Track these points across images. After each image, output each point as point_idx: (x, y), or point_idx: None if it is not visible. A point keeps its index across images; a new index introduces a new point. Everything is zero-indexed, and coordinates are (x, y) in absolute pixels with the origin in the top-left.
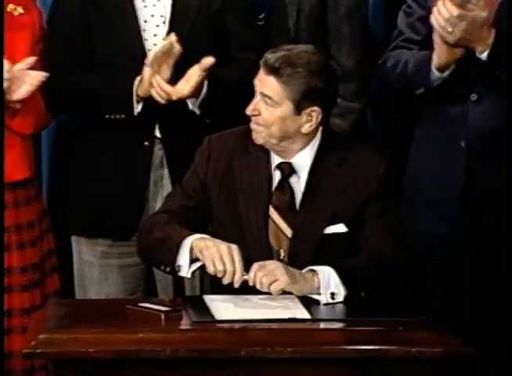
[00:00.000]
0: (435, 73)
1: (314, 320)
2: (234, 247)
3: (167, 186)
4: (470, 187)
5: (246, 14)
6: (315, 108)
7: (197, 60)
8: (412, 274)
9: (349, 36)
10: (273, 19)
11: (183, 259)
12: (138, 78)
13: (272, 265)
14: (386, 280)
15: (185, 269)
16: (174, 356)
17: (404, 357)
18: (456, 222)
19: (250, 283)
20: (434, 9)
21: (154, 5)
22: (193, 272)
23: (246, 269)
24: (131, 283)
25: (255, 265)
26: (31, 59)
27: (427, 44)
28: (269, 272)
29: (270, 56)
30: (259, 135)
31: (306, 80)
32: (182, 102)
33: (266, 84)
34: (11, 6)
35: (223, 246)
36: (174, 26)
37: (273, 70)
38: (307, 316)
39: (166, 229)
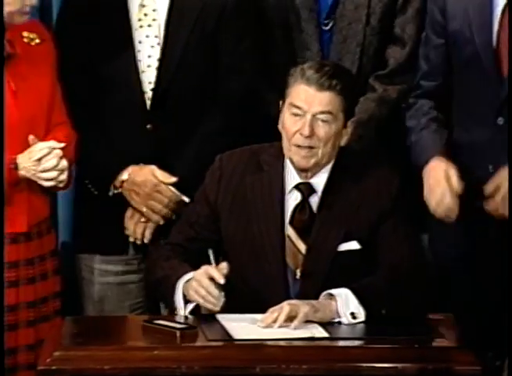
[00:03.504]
0: None
1: (331, 339)
2: (206, 272)
3: None
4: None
5: (240, 34)
6: (353, 119)
7: (192, 82)
8: (428, 290)
9: (414, 37)
10: (341, 24)
11: (179, 302)
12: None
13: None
14: (403, 296)
15: (182, 311)
16: (189, 373)
17: (420, 375)
18: (475, 245)
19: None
20: None
21: (149, 26)
22: None
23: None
24: (131, 300)
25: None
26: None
27: (437, 73)
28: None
29: (316, 75)
30: (313, 158)
31: (353, 90)
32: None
33: (322, 101)
34: (26, 35)
35: (199, 282)
36: (167, 47)
37: (328, 86)
38: (325, 334)
39: (165, 268)
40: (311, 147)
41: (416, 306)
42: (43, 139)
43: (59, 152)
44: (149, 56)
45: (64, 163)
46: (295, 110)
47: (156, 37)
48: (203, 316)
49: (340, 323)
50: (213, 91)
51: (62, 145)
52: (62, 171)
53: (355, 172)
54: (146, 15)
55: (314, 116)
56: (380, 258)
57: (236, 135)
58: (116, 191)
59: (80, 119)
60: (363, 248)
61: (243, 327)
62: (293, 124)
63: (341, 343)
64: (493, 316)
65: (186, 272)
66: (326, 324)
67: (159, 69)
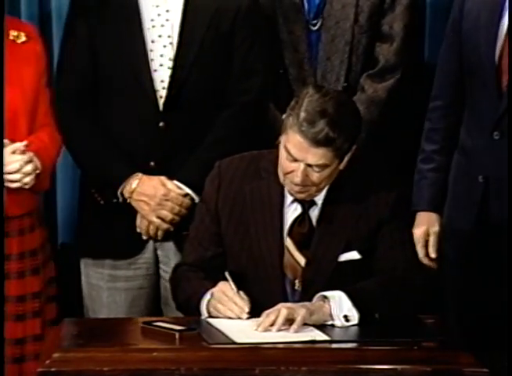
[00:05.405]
0: None
1: (332, 341)
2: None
3: None
4: (485, 219)
5: (254, 36)
6: (353, 147)
7: (205, 82)
8: (424, 294)
9: (401, 33)
10: (329, 23)
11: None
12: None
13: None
14: (397, 300)
15: None
16: (188, 375)
17: None
18: (468, 252)
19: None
20: None
21: (162, 26)
22: None
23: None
24: (140, 306)
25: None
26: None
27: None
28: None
29: (312, 130)
30: (307, 192)
31: (352, 133)
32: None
33: (315, 155)
34: (13, 33)
35: (219, 301)
36: (181, 47)
37: (324, 142)
38: (325, 337)
39: (186, 290)
40: (305, 185)
41: (409, 311)
42: (25, 137)
43: (23, 157)
44: (162, 55)
45: (28, 168)
46: (290, 157)
47: (169, 36)
48: (201, 320)
49: (333, 325)
50: (224, 93)
51: (24, 143)
52: (25, 174)
53: (355, 184)
54: (159, 15)
55: (308, 165)
56: (375, 262)
57: (247, 138)
58: (123, 200)
59: (84, 122)
60: (363, 258)
61: (241, 331)
62: (288, 165)
63: (340, 345)
64: (493, 317)
65: (206, 291)
66: (322, 327)
67: (173, 68)
